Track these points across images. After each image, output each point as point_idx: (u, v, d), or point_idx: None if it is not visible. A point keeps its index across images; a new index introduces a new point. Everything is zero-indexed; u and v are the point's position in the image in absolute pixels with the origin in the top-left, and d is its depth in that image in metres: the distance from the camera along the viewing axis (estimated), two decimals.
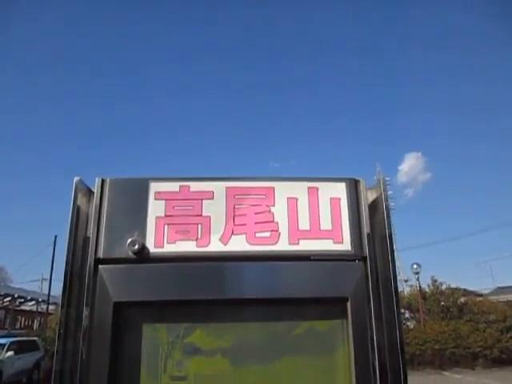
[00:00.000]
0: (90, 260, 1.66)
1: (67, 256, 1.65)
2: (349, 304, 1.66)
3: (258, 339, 1.67)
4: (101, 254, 1.67)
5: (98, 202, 1.74)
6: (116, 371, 1.59)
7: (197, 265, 1.68)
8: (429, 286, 28.42)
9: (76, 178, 1.73)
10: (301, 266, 1.70)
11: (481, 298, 28.60)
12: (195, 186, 1.78)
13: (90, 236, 1.69)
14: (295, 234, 1.74)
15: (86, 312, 1.60)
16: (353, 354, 1.62)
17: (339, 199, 1.80)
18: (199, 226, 1.72)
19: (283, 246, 1.72)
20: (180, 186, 1.78)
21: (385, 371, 1.61)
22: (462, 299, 27.00)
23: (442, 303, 26.70)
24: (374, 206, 1.84)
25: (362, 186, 1.84)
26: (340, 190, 1.82)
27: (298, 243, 1.73)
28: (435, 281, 28.19)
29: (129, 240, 1.66)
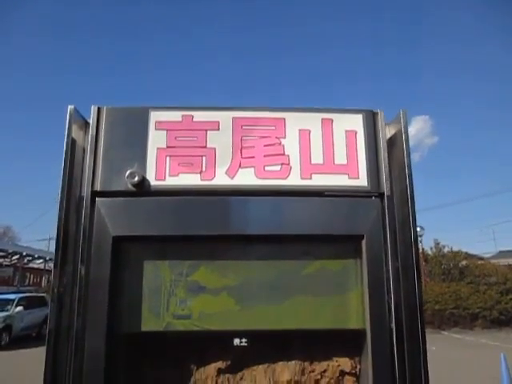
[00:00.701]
0: (87, 192, 1.54)
1: (62, 189, 1.53)
2: (364, 242, 1.55)
3: (265, 278, 1.57)
4: (98, 187, 1.55)
5: (95, 132, 1.60)
6: (116, 309, 1.50)
7: (201, 199, 1.56)
8: (431, 248, 28.61)
9: (70, 107, 1.59)
10: (313, 202, 1.58)
11: (482, 261, 28.76)
12: (199, 115, 1.64)
13: (87, 167, 1.57)
14: (307, 168, 1.61)
15: (83, 247, 1.50)
16: (367, 295, 1.52)
17: (355, 132, 1.66)
18: (204, 158, 1.60)
19: (294, 180, 1.59)
20: (182, 116, 1.64)
21: (400, 312, 1.52)
22: (464, 262, 27.20)
23: (444, 266, 26.92)
24: (392, 141, 1.70)
25: (380, 119, 1.69)
26: (356, 122, 1.67)
27: (310, 178, 1.60)
28: (438, 243, 28.35)
29: (128, 172, 1.54)
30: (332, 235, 1.56)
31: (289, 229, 1.55)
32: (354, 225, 1.57)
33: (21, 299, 17.90)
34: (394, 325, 1.50)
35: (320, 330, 1.57)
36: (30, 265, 39.73)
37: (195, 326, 1.52)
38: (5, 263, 35.15)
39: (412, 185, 1.61)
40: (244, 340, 1.54)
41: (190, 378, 1.62)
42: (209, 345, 1.62)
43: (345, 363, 1.63)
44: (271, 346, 1.63)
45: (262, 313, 1.54)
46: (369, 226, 1.56)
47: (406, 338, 1.52)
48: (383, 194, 1.60)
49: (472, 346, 16.12)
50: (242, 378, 1.64)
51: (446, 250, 28.34)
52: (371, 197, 1.61)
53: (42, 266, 40.35)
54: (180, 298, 1.54)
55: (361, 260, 1.57)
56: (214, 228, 1.53)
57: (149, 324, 1.52)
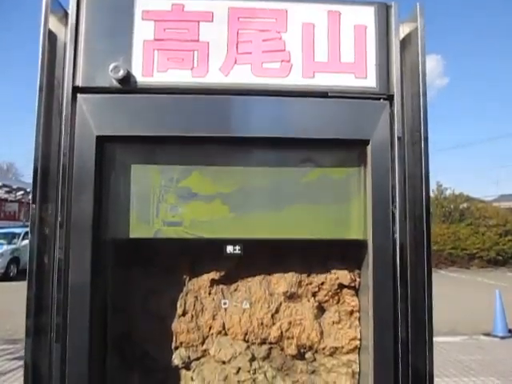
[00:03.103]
0: (68, 88, 1.40)
1: (39, 87, 1.39)
2: (369, 148, 1.43)
3: (262, 185, 1.47)
4: (80, 82, 1.41)
5: (75, 21, 1.43)
6: (102, 215, 1.41)
7: (193, 97, 1.42)
8: (433, 190, 28.58)
9: None
10: (315, 103, 1.44)
11: (483, 204, 28.87)
12: (191, 4, 1.46)
13: (67, 61, 1.42)
14: (310, 66, 1.45)
15: (64, 147, 1.38)
16: (371, 204, 1.42)
17: (365, 27, 1.49)
18: (195, 52, 1.44)
19: (295, 79, 1.45)
20: (172, 5, 1.46)
21: (405, 222, 1.43)
22: (465, 204, 27.31)
23: (445, 208, 27.06)
24: (406, 41, 1.53)
25: (394, 13, 1.50)
26: (367, 15, 1.49)
27: (313, 77, 1.45)
28: (440, 186, 28.31)
29: (111, 65, 1.39)
30: (335, 139, 1.43)
31: (288, 132, 1.43)
32: (359, 129, 1.44)
33: (27, 233, 18.25)
34: (397, 235, 1.42)
35: (318, 241, 1.49)
36: None
37: (187, 234, 1.44)
38: (10, 199, 35.52)
39: (425, 89, 1.47)
40: (238, 248, 1.47)
41: (182, 287, 1.56)
42: (201, 254, 1.55)
43: (344, 276, 1.57)
44: (267, 256, 1.57)
45: (257, 221, 1.45)
46: (375, 131, 1.43)
47: (409, 249, 1.43)
48: (392, 96, 1.46)
49: (468, 284, 16.53)
50: (236, 290, 1.59)
51: (447, 192, 28.39)
52: (379, 99, 1.46)
53: None
54: (170, 205, 1.45)
55: (365, 167, 1.46)
56: (206, 129, 1.41)
57: (138, 231, 1.44)
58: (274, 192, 1.47)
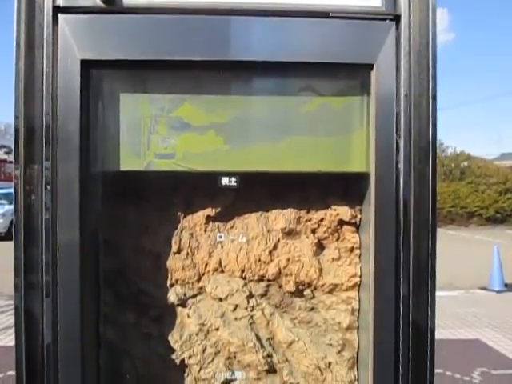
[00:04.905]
0: (48, 9, 1.29)
1: (17, 12, 1.28)
2: (373, 73, 1.33)
3: (258, 115, 1.39)
4: (60, 2, 1.30)
5: None
6: (90, 146, 1.34)
7: (183, 18, 1.31)
8: None
9: None
10: (316, 24, 1.33)
11: (484, 162, 28.74)
12: None
13: None
14: None
15: (46, 73, 1.29)
16: (374, 133, 1.33)
17: None
18: None
19: None
20: None
21: (409, 152, 1.36)
22: (466, 163, 27.20)
23: (446, 167, 26.95)
24: None
25: None
26: None
27: None
28: (441, 144, 28.10)
29: None
30: (336, 64, 1.33)
31: (285, 55, 1.32)
32: (362, 52, 1.33)
33: None
34: (401, 166, 1.35)
35: (318, 174, 1.42)
36: None
37: (179, 166, 1.37)
38: (9, 160, 35.40)
39: (435, 10, 1.36)
40: (233, 180, 1.40)
41: (176, 224, 1.51)
42: (196, 189, 1.49)
43: (344, 212, 1.51)
44: (264, 191, 1.51)
45: (254, 153, 1.38)
46: (380, 54, 1.33)
47: (413, 180, 1.37)
48: (399, 16, 1.35)
49: (466, 241, 16.69)
50: (232, 227, 1.53)
51: (449, 151, 28.24)
52: (385, 19, 1.35)
53: None
54: (162, 136, 1.37)
55: (368, 95, 1.37)
56: (198, 53, 1.30)
57: (128, 163, 1.37)
58: (271, 122, 1.39)
